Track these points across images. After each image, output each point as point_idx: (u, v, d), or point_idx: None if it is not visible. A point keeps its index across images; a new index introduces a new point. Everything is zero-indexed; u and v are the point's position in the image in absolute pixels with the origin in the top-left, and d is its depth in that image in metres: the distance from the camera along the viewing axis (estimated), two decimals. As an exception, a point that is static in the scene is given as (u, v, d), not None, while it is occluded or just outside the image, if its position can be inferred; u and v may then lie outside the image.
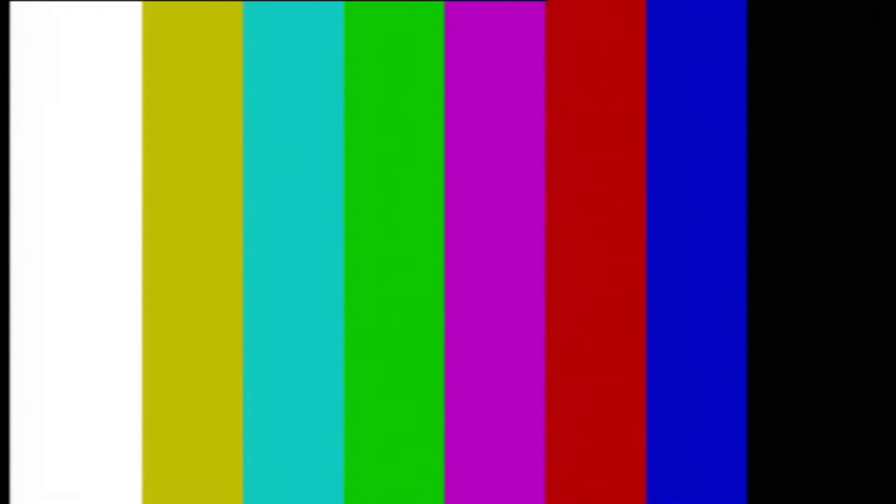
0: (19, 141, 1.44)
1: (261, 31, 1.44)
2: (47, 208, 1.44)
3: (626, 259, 1.45)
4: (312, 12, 1.45)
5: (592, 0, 1.45)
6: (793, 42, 1.45)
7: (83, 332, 1.44)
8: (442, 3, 1.45)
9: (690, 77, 1.45)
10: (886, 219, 1.44)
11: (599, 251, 1.45)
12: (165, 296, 1.44)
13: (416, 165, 1.45)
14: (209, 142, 1.44)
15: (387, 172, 1.45)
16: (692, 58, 1.45)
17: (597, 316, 1.45)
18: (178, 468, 1.44)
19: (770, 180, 1.45)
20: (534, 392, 1.45)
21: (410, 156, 1.45)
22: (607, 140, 1.45)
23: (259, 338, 1.44)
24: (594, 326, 1.45)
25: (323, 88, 1.44)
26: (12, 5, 1.44)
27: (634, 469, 1.45)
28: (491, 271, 1.45)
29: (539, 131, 1.45)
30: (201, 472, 1.44)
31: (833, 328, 1.44)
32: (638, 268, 1.45)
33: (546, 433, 1.45)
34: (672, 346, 1.45)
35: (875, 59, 1.43)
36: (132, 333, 1.44)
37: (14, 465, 1.44)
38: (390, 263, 1.45)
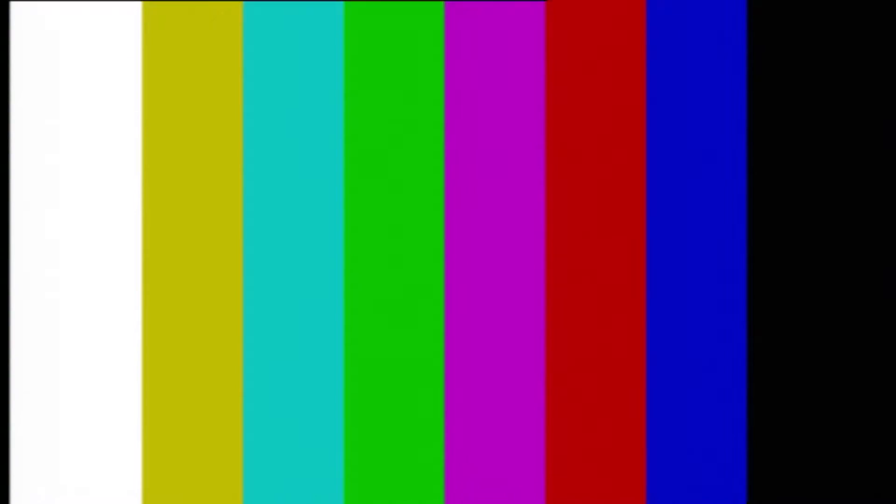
0: (19, 141, 1.44)
1: (261, 31, 1.44)
2: (47, 208, 1.44)
3: (626, 259, 1.45)
4: (312, 12, 1.45)
5: (592, 0, 1.45)
6: (793, 42, 1.45)
7: (83, 331, 1.44)
8: (442, 3, 1.45)
9: (690, 77, 1.45)
10: (886, 219, 1.44)
11: (599, 251, 1.45)
12: (165, 295, 1.44)
13: (416, 165, 1.45)
14: (209, 142, 1.44)
15: (387, 172, 1.45)
16: (692, 58, 1.45)
17: (597, 316, 1.45)
18: (178, 468, 1.44)
19: (770, 180, 1.45)
20: (534, 392, 1.45)
21: (410, 156, 1.45)
22: (607, 140, 1.45)
23: (259, 338, 1.44)
24: (594, 326, 1.45)
25: (323, 88, 1.44)
26: (12, 5, 1.45)
27: (634, 469, 1.45)
28: (491, 271, 1.45)
29: (539, 131, 1.45)
30: (201, 472, 1.44)
31: (833, 328, 1.44)
32: (638, 268, 1.45)
33: (546, 433, 1.45)
34: (672, 346, 1.45)
35: (875, 58, 1.43)
36: (132, 333, 1.44)
37: (14, 464, 1.44)
38: (390, 264, 1.45)
